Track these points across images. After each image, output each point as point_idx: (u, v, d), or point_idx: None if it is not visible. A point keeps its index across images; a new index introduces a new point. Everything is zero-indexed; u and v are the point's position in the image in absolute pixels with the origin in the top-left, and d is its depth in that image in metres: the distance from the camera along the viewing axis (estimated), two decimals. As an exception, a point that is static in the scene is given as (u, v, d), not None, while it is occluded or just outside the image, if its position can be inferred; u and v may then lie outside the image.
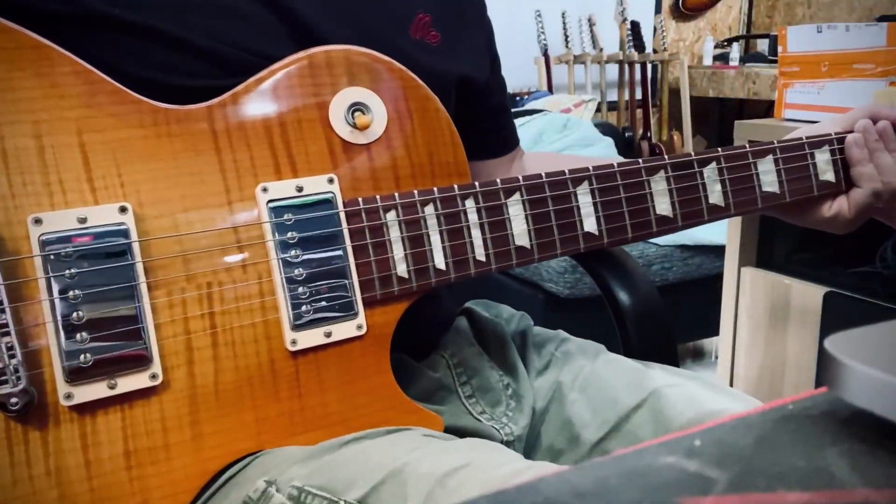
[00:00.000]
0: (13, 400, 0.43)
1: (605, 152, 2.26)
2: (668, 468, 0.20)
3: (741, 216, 0.66)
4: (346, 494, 0.46)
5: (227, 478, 0.50)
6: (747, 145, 0.65)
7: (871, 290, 1.26)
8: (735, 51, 3.19)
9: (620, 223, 0.60)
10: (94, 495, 0.46)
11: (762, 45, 3.24)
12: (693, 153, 0.63)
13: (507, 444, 0.62)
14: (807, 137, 0.67)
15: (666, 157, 0.62)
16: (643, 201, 0.61)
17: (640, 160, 0.61)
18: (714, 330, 1.53)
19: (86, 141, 0.47)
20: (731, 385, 1.47)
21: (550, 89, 2.82)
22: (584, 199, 0.59)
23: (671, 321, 0.83)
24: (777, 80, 1.35)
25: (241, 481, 0.49)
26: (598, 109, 2.92)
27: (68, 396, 0.45)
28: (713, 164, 0.63)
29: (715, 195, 0.63)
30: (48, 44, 0.47)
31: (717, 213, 0.64)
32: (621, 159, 0.62)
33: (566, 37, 2.89)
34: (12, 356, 0.44)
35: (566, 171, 0.59)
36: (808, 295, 1.31)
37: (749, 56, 3.15)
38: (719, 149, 0.64)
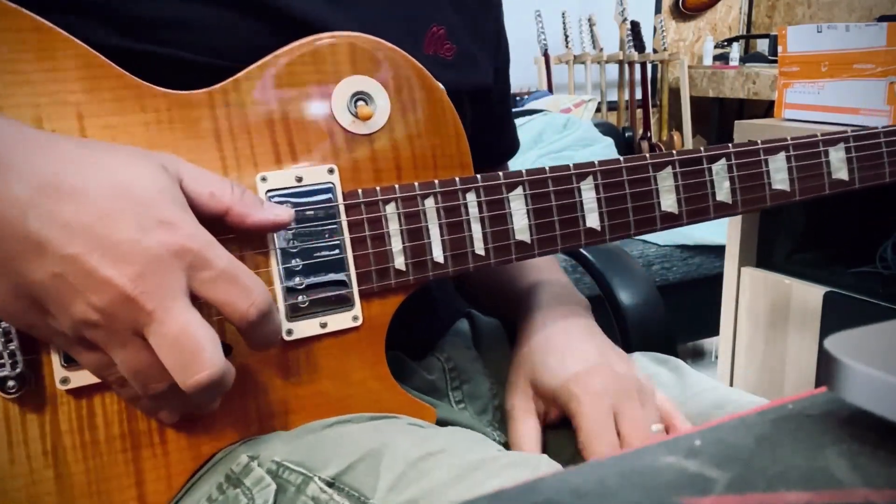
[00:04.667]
0: (10, 383, 0.45)
1: (605, 152, 2.26)
2: (668, 468, 0.20)
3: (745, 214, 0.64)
4: (321, 471, 0.47)
5: (218, 458, 0.51)
6: (759, 142, 0.64)
7: (871, 290, 1.26)
8: (735, 51, 3.20)
9: (623, 219, 0.59)
10: (90, 476, 0.48)
11: (762, 45, 3.24)
12: (703, 149, 0.61)
13: None
14: (822, 135, 0.65)
15: (675, 152, 0.61)
16: (648, 197, 0.60)
17: (648, 155, 0.60)
18: (714, 330, 1.53)
19: (86, 126, 0.47)
20: (731, 385, 1.47)
21: (550, 89, 2.82)
22: (588, 194, 0.58)
23: (671, 322, 0.83)
24: (777, 80, 1.35)
25: (228, 459, 0.50)
26: (598, 109, 2.92)
27: (65, 381, 0.46)
28: (723, 161, 0.62)
29: (723, 192, 0.62)
30: (50, 26, 0.46)
31: (723, 211, 0.62)
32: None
33: (566, 37, 2.90)
34: (9, 341, 0.44)
35: (571, 166, 0.58)
36: (808, 295, 1.31)
37: (749, 56, 3.15)
38: (730, 145, 0.62)
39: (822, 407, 0.24)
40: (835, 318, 1.27)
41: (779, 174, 0.63)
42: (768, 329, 1.38)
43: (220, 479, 0.49)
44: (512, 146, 0.81)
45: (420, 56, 0.59)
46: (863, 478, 0.19)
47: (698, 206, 0.61)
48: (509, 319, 0.72)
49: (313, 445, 0.49)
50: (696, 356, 2.41)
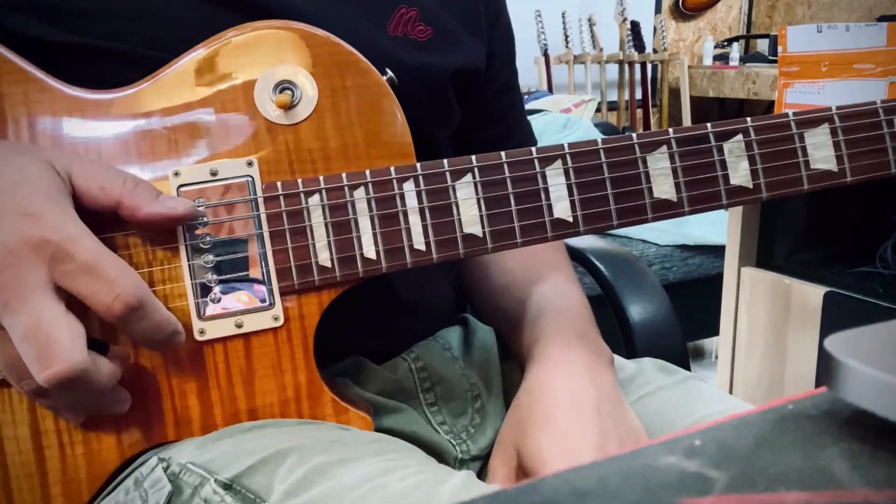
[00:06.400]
0: None
1: (605, 152, 2.26)
2: (668, 468, 0.20)
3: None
4: (221, 473, 0.46)
5: (138, 463, 0.50)
6: (790, 114, 0.52)
7: (871, 290, 1.26)
8: (735, 51, 3.20)
9: (603, 208, 0.52)
10: (6, 472, 0.48)
11: (762, 45, 3.24)
12: (710, 125, 0.52)
13: (461, 462, 0.60)
14: (881, 102, 0.53)
15: (670, 130, 0.52)
16: (635, 182, 0.52)
17: (635, 135, 0.52)
18: (714, 330, 1.53)
19: (9, 129, 0.47)
20: (731, 385, 1.47)
21: (550, 89, 2.82)
22: (556, 179, 0.51)
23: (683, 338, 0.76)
24: (777, 80, 1.35)
25: (143, 464, 0.50)
26: (598, 109, 2.92)
27: None
28: (738, 138, 0.52)
29: (740, 175, 0.52)
30: None
31: (741, 196, 0.53)
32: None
33: (566, 37, 2.89)
34: None
35: (533, 150, 0.52)
36: (808, 295, 1.30)
37: (749, 56, 3.15)
38: (748, 119, 0.52)
39: (822, 407, 0.24)
40: (835, 318, 1.27)
41: (820, 151, 0.53)
42: (768, 329, 1.38)
43: (130, 483, 0.49)
44: (524, 144, 0.74)
45: (385, 37, 0.58)
46: (863, 478, 0.19)
47: (705, 192, 0.52)
48: (506, 342, 0.68)
49: (224, 448, 0.48)
50: (696, 356, 2.41)
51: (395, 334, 0.65)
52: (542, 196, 0.51)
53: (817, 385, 0.24)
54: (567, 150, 0.51)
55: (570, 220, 0.52)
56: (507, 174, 0.51)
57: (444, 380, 0.63)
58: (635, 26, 3.01)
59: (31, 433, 0.48)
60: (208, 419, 0.50)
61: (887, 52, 1.18)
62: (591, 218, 0.52)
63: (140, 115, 0.49)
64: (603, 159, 0.52)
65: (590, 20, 2.96)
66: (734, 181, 0.53)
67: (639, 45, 3.01)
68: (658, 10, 3.25)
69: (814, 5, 3.26)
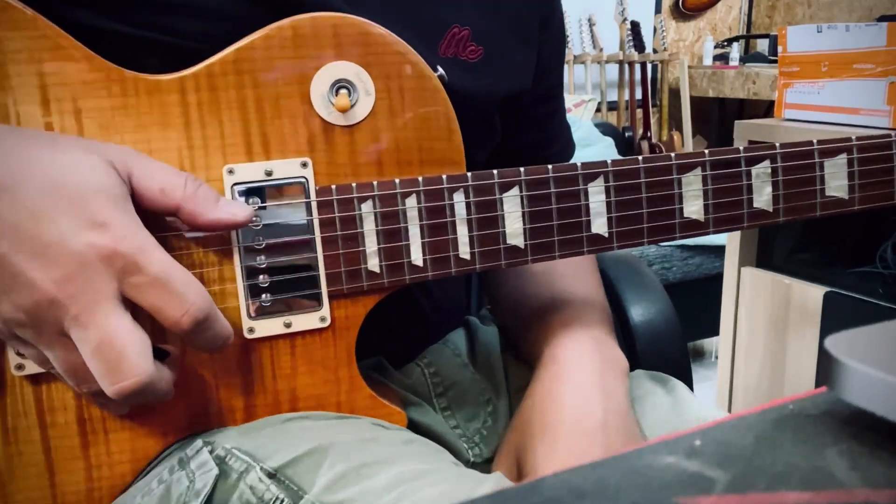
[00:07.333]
0: None
1: (605, 152, 2.26)
2: (668, 468, 0.20)
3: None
4: (266, 461, 0.46)
5: (177, 444, 0.51)
6: (815, 141, 0.55)
7: (871, 290, 1.26)
8: (735, 51, 3.20)
9: (636, 226, 0.53)
10: (44, 457, 0.48)
11: (762, 45, 3.24)
12: (742, 149, 0.54)
13: (473, 465, 0.60)
14: None
15: (706, 151, 0.54)
16: (669, 202, 0.53)
17: (673, 155, 0.53)
18: (714, 330, 1.53)
19: (52, 110, 0.46)
20: (731, 385, 1.47)
21: (550, 89, 2.82)
22: (597, 197, 0.52)
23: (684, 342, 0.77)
24: (777, 80, 1.35)
25: (185, 444, 0.50)
26: (598, 109, 2.92)
27: (20, 367, 0.46)
28: (766, 163, 0.54)
29: (763, 199, 0.54)
30: (10, 3, 0.44)
31: (760, 220, 0.55)
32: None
33: (566, 37, 2.90)
34: None
35: (578, 165, 0.52)
36: (808, 295, 1.31)
37: (749, 56, 3.15)
38: (777, 144, 0.54)
39: (822, 407, 0.24)
40: (835, 318, 1.27)
41: (836, 180, 0.55)
42: (768, 329, 1.38)
43: (173, 461, 0.49)
44: (563, 150, 0.75)
45: (435, 58, 0.56)
46: (863, 478, 0.19)
47: (730, 214, 0.54)
48: (520, 340, 0.68)
49: (266, 436, 0.49)
50: (696, 356, 2.41)
51: (416, 337, 0.67)
52: (583, 212, 0.53)
53: (817, 385, 0.24)
54: (610, 168, 0.52)
55: (607, 236, 0.53)
56: (552, 189, 0.52)
57: (455, 385, 0.64)
58: (635, 26, 3.01)
59: (76, 419, 0.48)
60: (250, 413, 0.52)
61: (887, 52, 1.18)
62: (625, 235, 0.54)
63: (192, 104, 0.48)
64: (642, 178, 0.53)
65: (590, 20, 2.96)
66: (757, 205, 0.55)
67: (639, 45, 3.01)
68: (658, 10, 3.25)
69: (814, 5, 3.26)
